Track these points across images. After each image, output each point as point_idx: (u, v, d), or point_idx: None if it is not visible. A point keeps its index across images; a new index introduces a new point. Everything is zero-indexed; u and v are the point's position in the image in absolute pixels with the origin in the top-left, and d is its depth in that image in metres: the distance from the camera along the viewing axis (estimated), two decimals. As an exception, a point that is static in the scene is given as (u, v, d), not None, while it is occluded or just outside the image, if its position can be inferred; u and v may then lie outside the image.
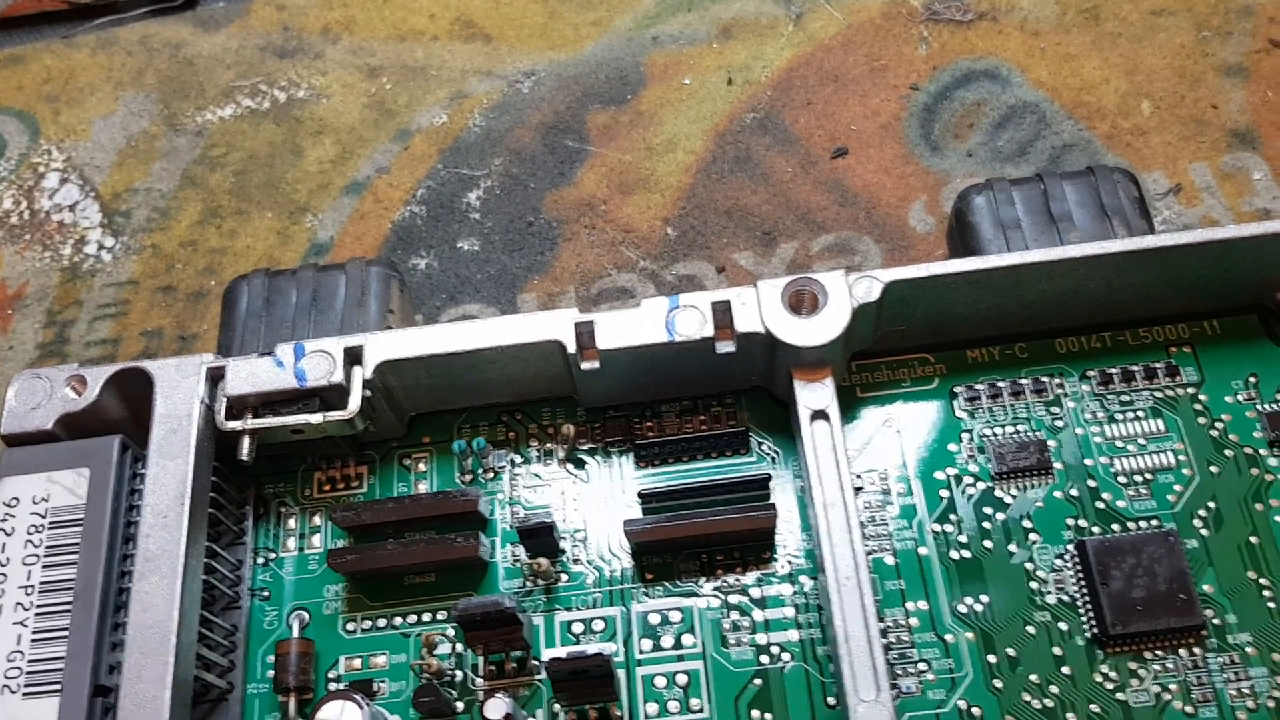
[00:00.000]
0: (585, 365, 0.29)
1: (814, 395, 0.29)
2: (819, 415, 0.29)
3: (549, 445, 0.31)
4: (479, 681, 0.28)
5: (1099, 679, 0.28)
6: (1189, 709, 0.27)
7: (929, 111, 0.39)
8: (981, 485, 0.30)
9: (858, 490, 0.30)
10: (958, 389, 0.31)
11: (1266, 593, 0.28)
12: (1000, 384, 0.31)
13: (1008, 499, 0.30)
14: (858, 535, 0.27)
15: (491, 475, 0.31)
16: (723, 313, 0.29)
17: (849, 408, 0.31)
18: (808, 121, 0.39)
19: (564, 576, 0.30)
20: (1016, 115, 0.38)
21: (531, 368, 0.30)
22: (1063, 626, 0.28)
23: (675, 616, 0.29)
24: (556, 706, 0.28)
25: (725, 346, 0.30)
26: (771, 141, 0.39)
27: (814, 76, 0.40)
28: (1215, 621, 0.28)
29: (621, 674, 0.29)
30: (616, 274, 0.36)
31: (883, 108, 0.39)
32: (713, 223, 0.37)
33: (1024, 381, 0.31)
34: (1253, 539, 0.29)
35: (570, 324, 0.30)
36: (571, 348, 0.30)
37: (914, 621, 0.29)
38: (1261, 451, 0.30)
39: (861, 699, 0.25)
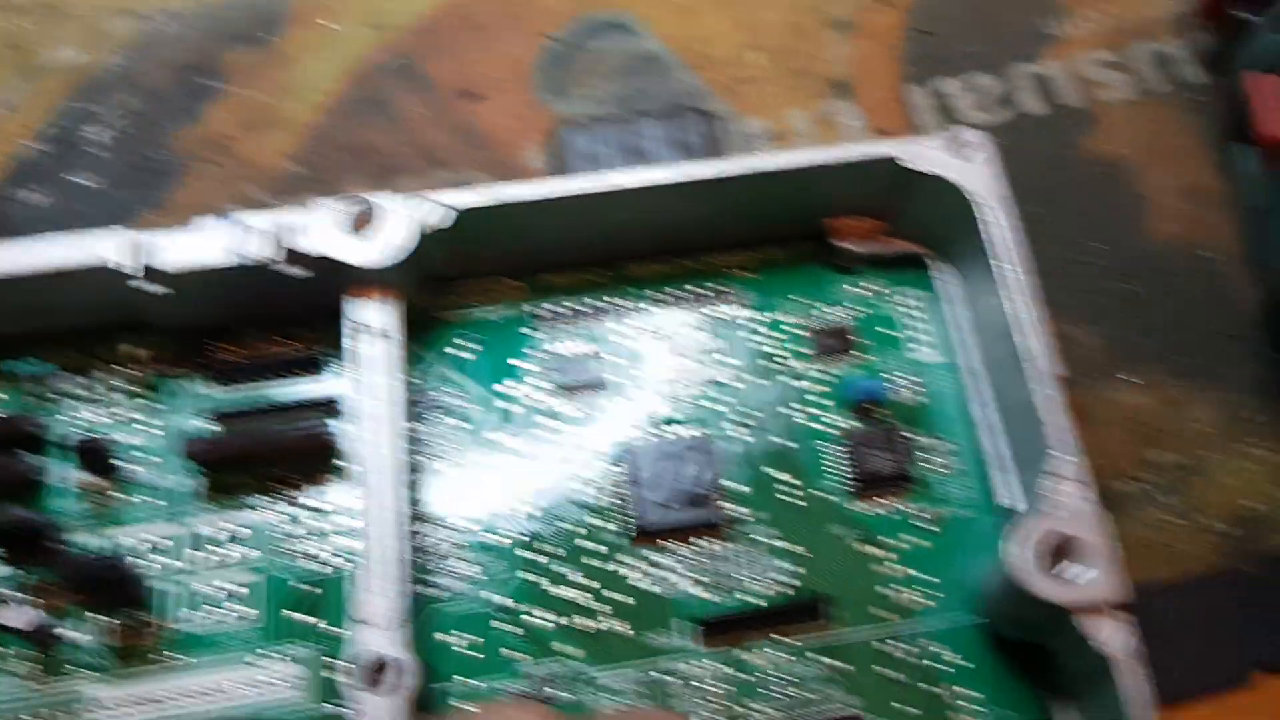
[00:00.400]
0: (141, 286, 0.30)
1: (365, 312, 0.30)
2: (369, 330, 0.30)
3: (120, 368, 0.32)
4: (17, 595, 0.29)
5: (626, 572, 0.30)
6: (711, 597, 0.29)
7: (559, 59, 0.40)
8: (545, 400, 0.32)
9: (417, 404, 0.32)
10: (534, 310, 0.33)
11: (795, 490, 0.31)
12: (575, 306, 0.33)
13: (569, 412, 0.32)
14: (396, 445, 0.28)
15: (57, 399, 0.31)
16: (287, 234, 0.30)
17: (426, 330, 0.32)
18: (444, 67, 0.40)
19: (124, 496, 0.30)
20: (638, 65, 0.40)
21: (96, 291, 0.31)
22: (602, 525, 0.30)
23: (236, 531, 0.30)
24: (106, 618, 0.29)
25: (291, 268, 0.30)
26: (407, 85, 0.40)
27: (458, 23, 0.41)
28: (745, 517, 0.31)
29: (178, 588, 0.29)
30: (234, 209, 0.36)
31: (518, 55, 0.41)
32: (337, 160, 0.38)
33: (597, 304, 0.33)
34: (786, 443, 0.32)
35: (125, 245, 0.30)
36: (130, 269, 0.30)
37: (467, 525, 0.30)
38: (801, 365, 0.32)
39: (373, 594, 0.27)
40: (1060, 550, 0.27)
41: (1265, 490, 0.34)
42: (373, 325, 0.29)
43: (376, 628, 0.26)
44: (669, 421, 0.32)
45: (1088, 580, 0.26)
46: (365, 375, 0.29)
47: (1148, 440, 0.34)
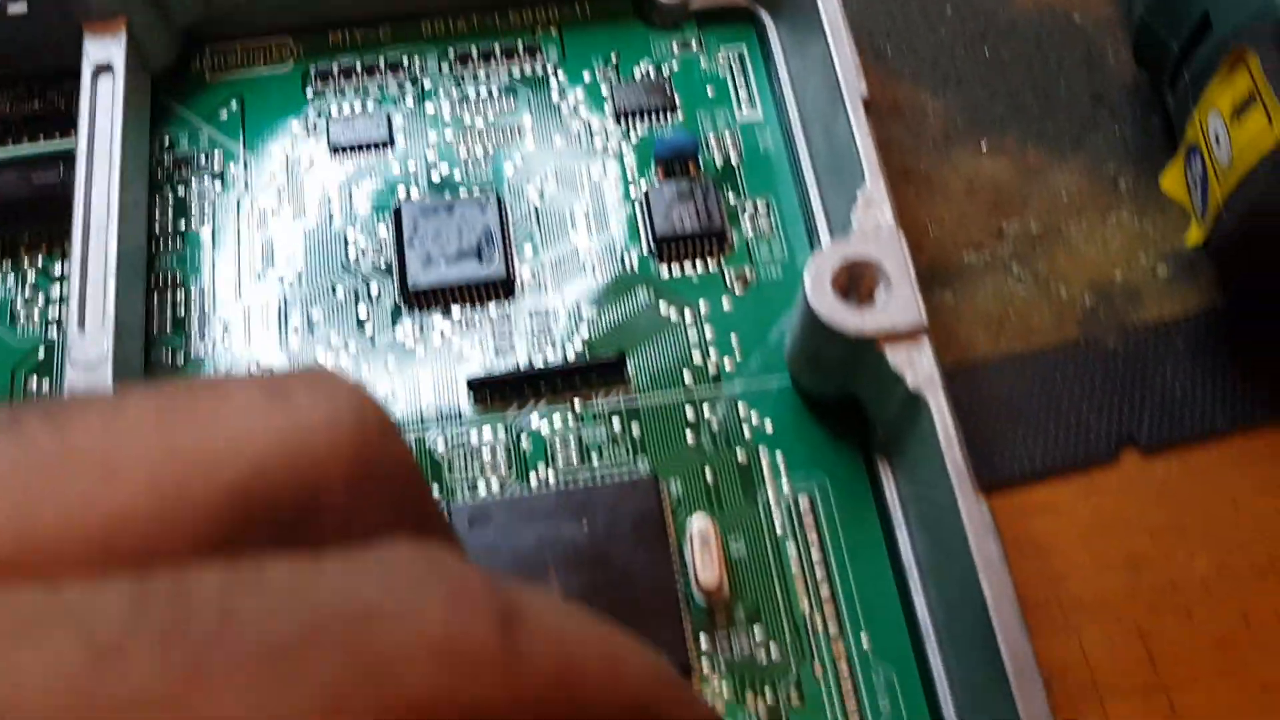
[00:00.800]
0: None
1: (101, 49, 0.27)
2: (104, 69, 0.27)
3: None
4: None
5: (401, 336, 0.27)
6: (492, 357, 0.27)
7: None
8: (319, 162, 0.29)
9: (182, 166, 0.29)
10: (313, 70, 0.30)
11: (592, 251, 0.28)
12: (356, 64, 0.30)
13: (340, 175, 0.29)
14: (116, 186, 0.25)
15: None
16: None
17: (193, 90, 0.30)
18: None
19: None
20: None
21: None
22: (372, 289, 0.27)
23: (-36, 297, 0.27)
24: None
25: (15, 5, 0.27)
26: None
27: None
28: (535, 279, 0.28)
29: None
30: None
31: None
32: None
33: (380, 61, 0.30)
34: (577, 205, 0.29)
35: None
36: None
37: (227, 289, 0.27)
38: (610, 123, 0.29)
39: (86, 338, 0.24)
40: (859, 277, 0.24)
41: (1127, 258, 0.31)
42: (100, 62, 0.26)
43: (86, 370, 0.23)
44: (455, 183, 0.29)
45: (885, 305, 0.23)
46: (91, 117, 0.26)
47: (1004, 210, 0.31)
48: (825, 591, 0.25)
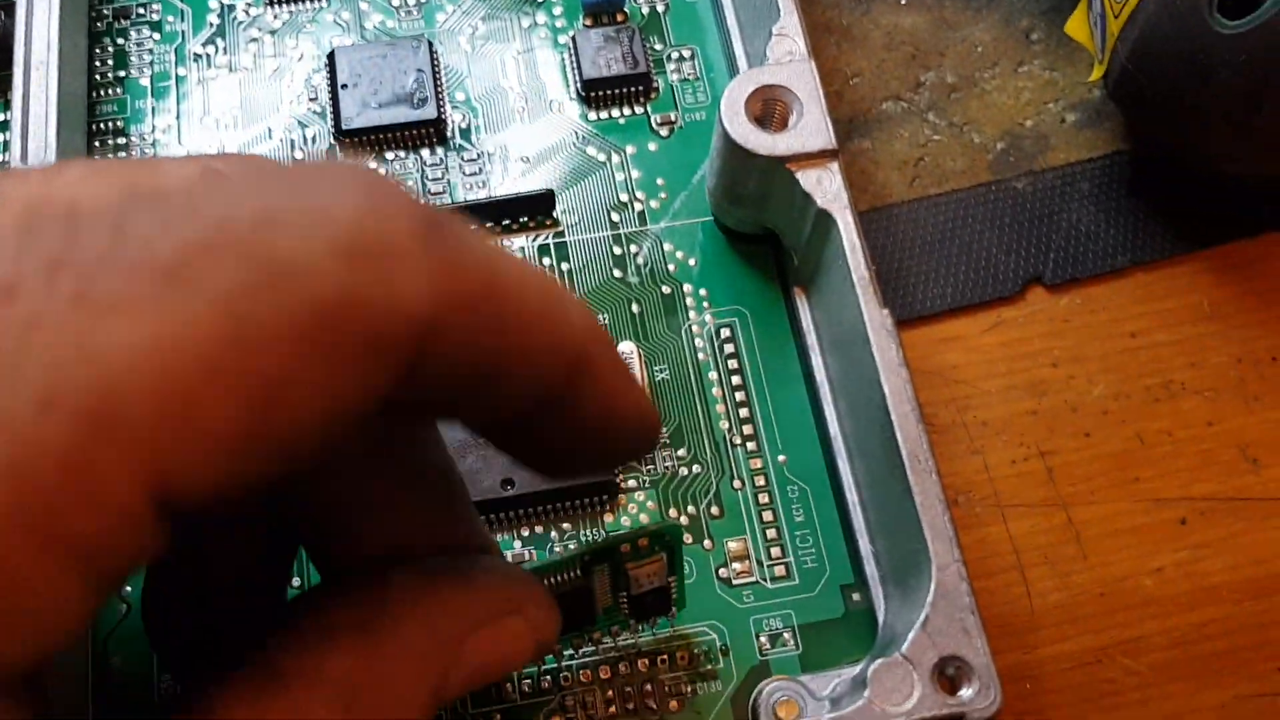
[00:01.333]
0: None
1: (32, -105, 0.28)
2: (36, -86, 0.27)
3: None
4: None
5: (336, 175, 0.28)
6: (427, 200, 0.28)
7: None
8: (254, 12, 0.30)
9: (123, 18, 0.29)
10: (247, -74, 0.31)
11: (519, 95, 0.29)
12: (292, -79, 0.31)
13: (275, 24, 0.30)
14: (55, 32, 0.26)
15: None
16: None
17: (128, -55, 0.30)
18: None
19: None
20: None
21: None
22: (308, 132, 0.28)
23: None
24: None
25: None
26: None
27: None
28: (462, 125, 0.29)
29: None
30: None
31: None
32: None
33: (317, -82, 0.31)
34: (511, 56, 0.29)
35: None
36: None
37: (160, 136, 0.28)
38: (537, -26, 0.31)
39: (26, 164, 0.25)
40: (772, 105, 0.25)
41: (1037, 107, 0.32)
42: (38, -92, 0.27)
43: (28, 203, 0.24)
44: (388, 30, 0.29)
45: (796, 129, 0.25)
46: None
47: (922, 62, 0.32)
48: (744, 413, 0.26)
